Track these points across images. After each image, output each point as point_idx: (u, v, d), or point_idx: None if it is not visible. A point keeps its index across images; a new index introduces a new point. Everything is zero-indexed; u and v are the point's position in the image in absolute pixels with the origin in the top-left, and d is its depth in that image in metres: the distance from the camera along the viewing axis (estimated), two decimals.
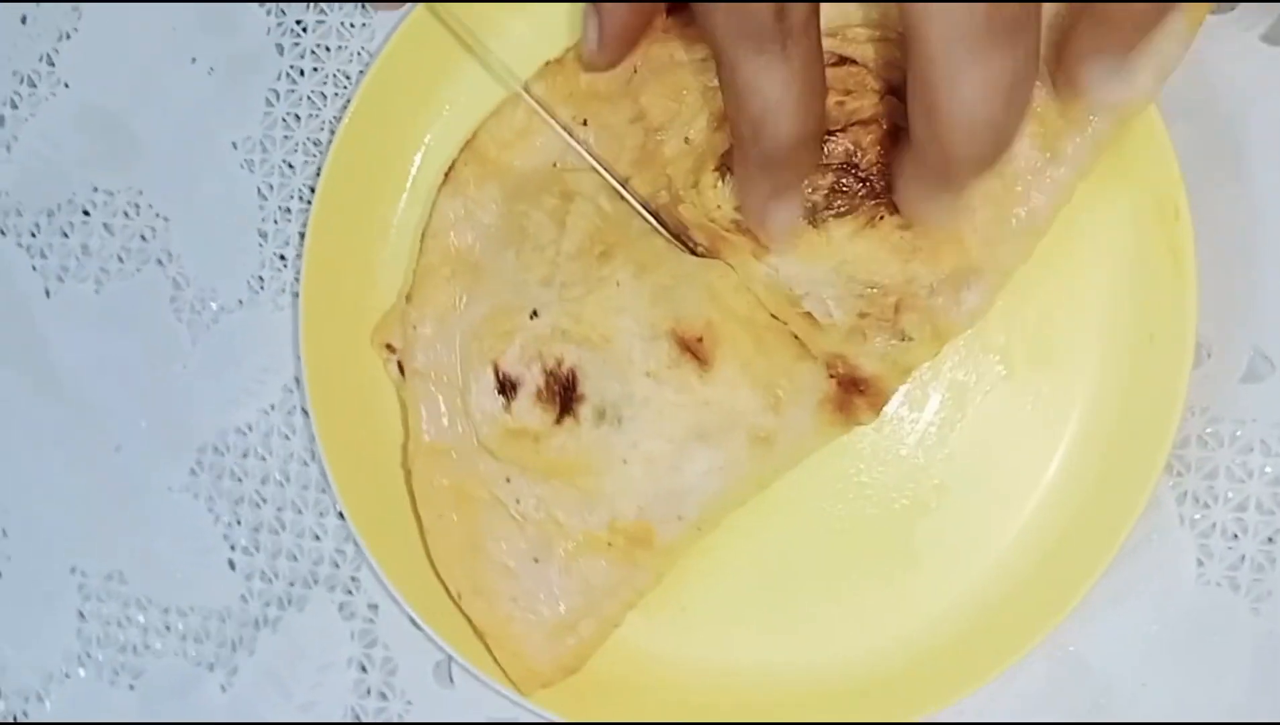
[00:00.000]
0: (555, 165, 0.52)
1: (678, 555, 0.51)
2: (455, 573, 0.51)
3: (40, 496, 0.65)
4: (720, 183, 0.46)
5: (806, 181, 0.45)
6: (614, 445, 0.48)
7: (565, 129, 0.51)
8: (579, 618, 0.50)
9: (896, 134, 0.45)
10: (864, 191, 0.45)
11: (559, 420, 0.49)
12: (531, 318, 0.49)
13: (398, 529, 0.54)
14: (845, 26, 0.47)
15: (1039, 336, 0.50)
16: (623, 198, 0.50)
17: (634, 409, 0.48)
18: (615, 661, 0.52)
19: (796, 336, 0.48)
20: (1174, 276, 0.47)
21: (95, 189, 0.65)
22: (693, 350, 0.47)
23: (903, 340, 0.47)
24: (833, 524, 0.52)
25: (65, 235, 0.65)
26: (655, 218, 0.50)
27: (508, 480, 0.51)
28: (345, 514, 0.54)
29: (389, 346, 0.54)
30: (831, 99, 0.45)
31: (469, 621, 0.51)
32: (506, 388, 0.49)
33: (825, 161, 0.45)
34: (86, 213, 0.65)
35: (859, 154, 0.45)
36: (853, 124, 0.45)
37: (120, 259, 0.64)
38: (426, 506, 0.52)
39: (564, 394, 0.49)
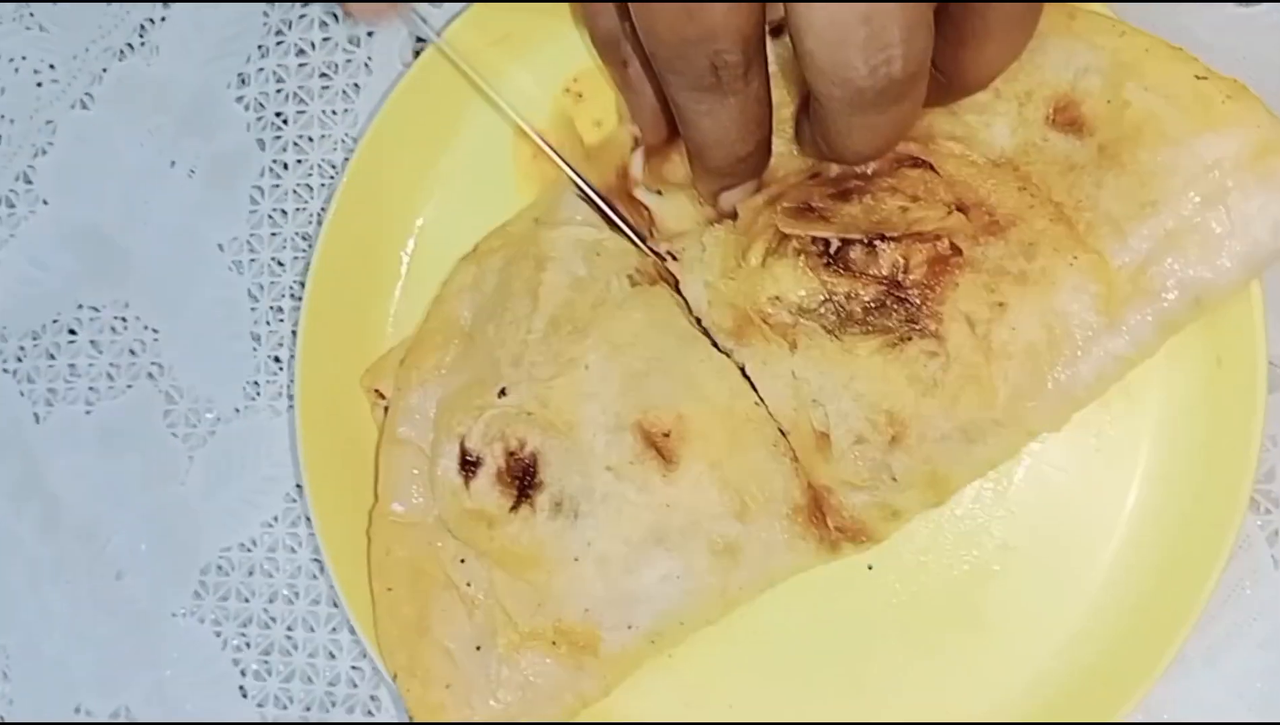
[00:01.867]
0: (536, 221, 0.50)
1: (629, 667, 0.47)
2: (396, 650, 0.48)
3: (41, 633, 0.61)
4: (771, 260, 0.43)
5: (848, 290, 0.42)
6: (568, 541, 0.46)
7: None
8: (514, 717, 0.46)
9: (949, 261, 0.41)
10: (902, 313, 0.42)
11: (515, 507, 0.46)
12: (500, 396, 0.47)
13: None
14: (935, 136, 0.43)
15: None
16: (631, 241, 0.48)
17: (592, 504, 0.45)
18: None
19: (782, 432, 0.44)
20: (1237, 292, 0.42)
21: (80, 306, 0.62)
22: (659, 446, 0.45)
23: (894, 480, 0.43)
24: (889, 600, 0.47)
25: (52, 357, 0.62)
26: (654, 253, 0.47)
27: (462, 561, 0.48)
28: (358, 632, 0.50)
29: (378, 392, 0.51)
30: (896, 201, 0.42)
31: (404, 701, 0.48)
32: (468, 465, 0.47)
33: (870, 271, 0.42)
34: (73, 332, 0.62)
35: (905, 272, 0.41)
36: (910, 235, 0.41)
37: (110, 377, 0.61)
38: (378, 578, 0.49)
39: (523, 479, 0.46)
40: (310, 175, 0.58)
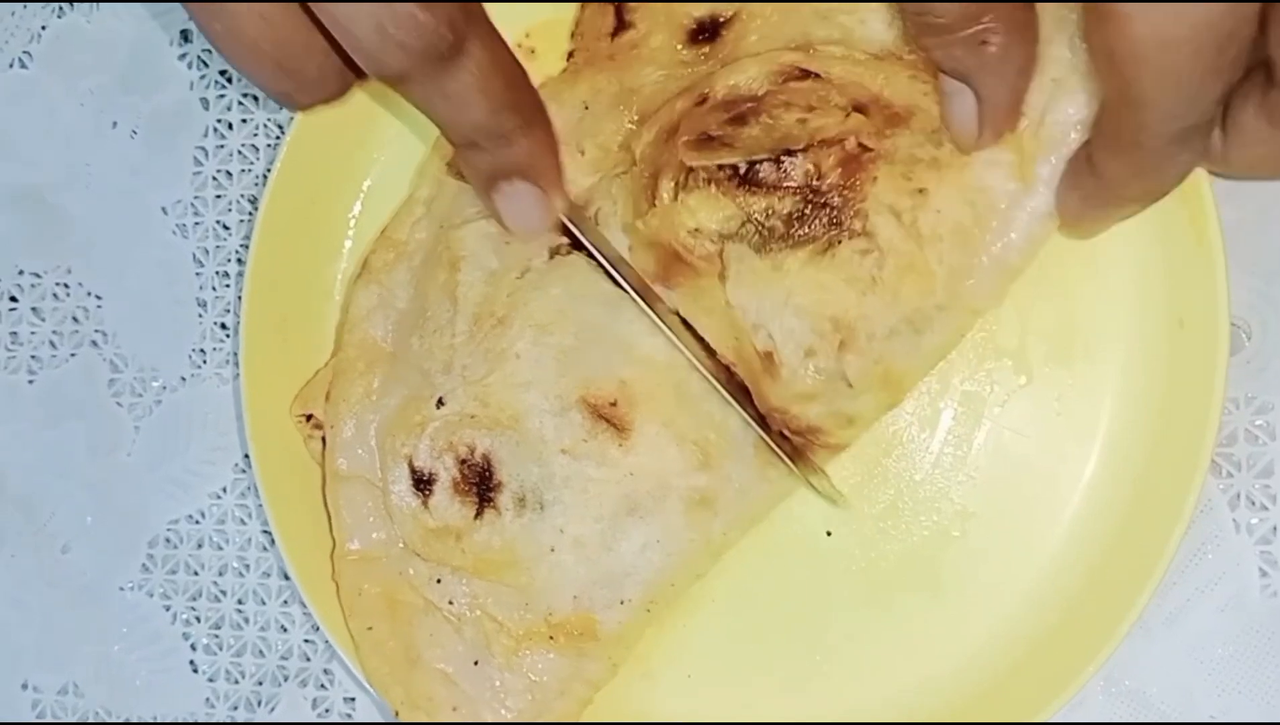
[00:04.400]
0: (441, 226, 0.48)
1: (632, 641, 0.46)
2: (392, 687, 0.47)
3: None
4: (682, 194, 0.42)
5: (765, 206, 0.41)
6: (539, 534, 0.45)
7: None
8: (530, 719, 0.46)
9: (860, 158, 0.40)
10: (825, 218, 0.41)
11: (479, 514, 0.45)
12: (438, 406, 0.46)
13: None
14: (812, 43, 0.43)
15: (1057, 333, 0.45)
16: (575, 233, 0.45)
17: (555, 491, 0.44)
18: None
19: (721, 389, 0.43)
20: (1199, 251, 0.42)
21: (21, 271, 0.60)
22: (607, 417, 0.44)
23: (849, 386, 0.42)
24: (848, 566, 0.46)
25: None
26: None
27: (438, 581, 0.46)
28: (309, 606, 0.48)
29: (309, 418, 0.49)
30: (793, 115, 0.41)
31: None
32: (421, 484, 0.45)
33: (784, 184, 0.41)
34: (14, 298, 0.60)
35: (819, 177, 0.41)
36: (816, 143, 0.41)
37: (53, 344, 0.59)
38: (355, 619, 0.47)
39: (481, 484, 0.45)
40: (255, 135, 0.57)
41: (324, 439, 0.49)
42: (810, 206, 0.41)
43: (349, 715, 0.53)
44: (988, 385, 0.45)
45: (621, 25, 0.47)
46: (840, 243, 0.41)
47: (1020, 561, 0.45)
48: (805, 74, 0.42)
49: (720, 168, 0.41)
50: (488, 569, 0.45)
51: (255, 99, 0.57)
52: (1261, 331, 0.44)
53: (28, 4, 0.61)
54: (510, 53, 0.37)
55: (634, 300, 0.44)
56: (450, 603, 0.46)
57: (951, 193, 0.40)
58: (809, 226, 0.41)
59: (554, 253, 0.46)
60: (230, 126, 0.57)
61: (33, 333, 0.60)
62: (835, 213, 0.41)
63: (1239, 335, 0.44)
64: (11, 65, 0.61)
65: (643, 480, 0.44)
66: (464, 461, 0.45)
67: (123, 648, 0.57)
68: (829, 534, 0.46)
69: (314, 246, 0.52)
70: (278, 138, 0.56)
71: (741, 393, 0.44)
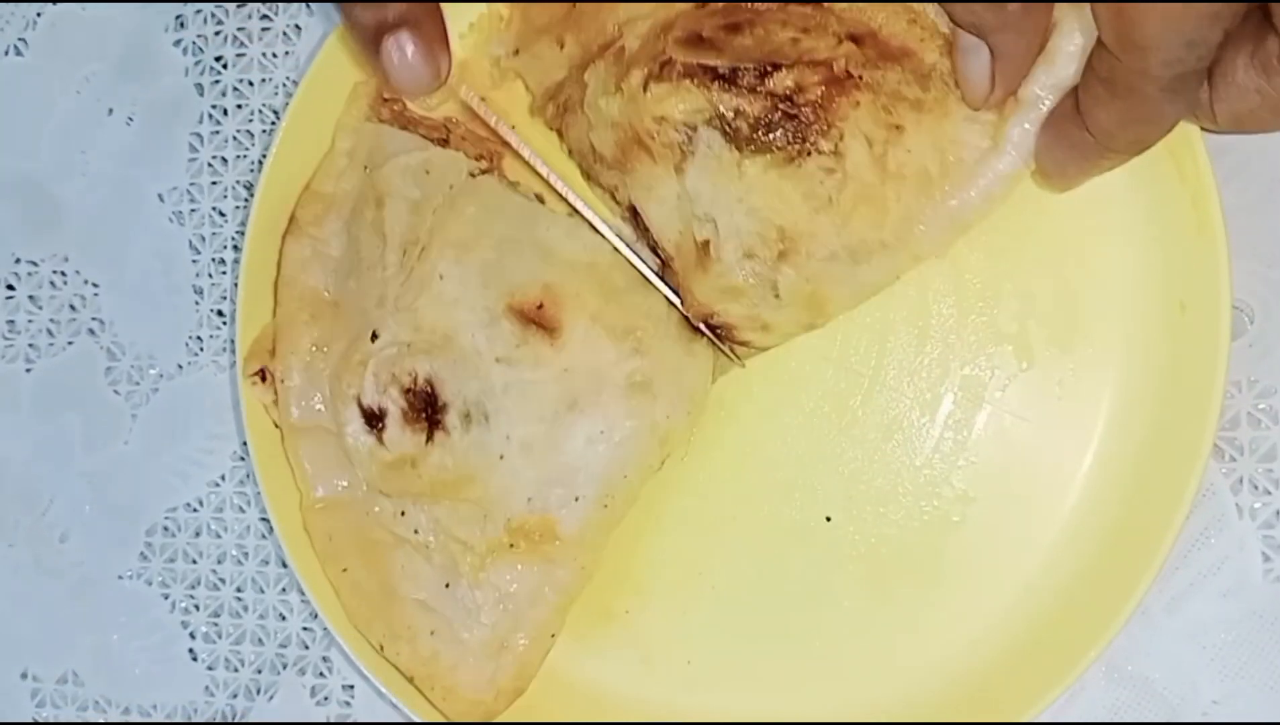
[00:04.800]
0: (366, 169, 0.49)
1: (597, 542, 0.46)
2: (373, 624, 0.48)
3: None
4: (651, 84, 0.42)
5: (736, 106, 0.41)
6: (488, 444, 0.45)
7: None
8: (507, 632, 0.46)
9: (845, 82, 0.41)
10: (794, 130, 0.41)
11: (430, 438, 0.46)
12: (373, 340, 0.46)
13: None
14: None
15: (1057, 317, 0.44)
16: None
17: (497, 401, 0.45)
18: (621, 716, 0.47)
19: (647, 272, 0.45)
20: (1199, 234, 0.41)
21: (18, 260, 0.60)
22: (536, 320, 0.45)
23: (776, 296, 0.43)
24: (848, 551, 0.46)
25: None
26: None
27: (402, 514, 0.47)
28: (307, 593, 0.48)
29: (262, 376, 0.49)
30: (788, 33, 0.41)
31: (398, 670, 0.47)
32: (373, 420, 0.46)
33: (759, 90, 0.41)
34: (11, 287, 0.60)
35: (800, 93, 0.41)
36: (802, 62, 0.41)
37: (50, 333, 0.59)
38: (330, 563, 0.48)
39: (427, 409, 0.46)
40: (250, 121, 0.56)
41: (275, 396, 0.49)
42: (780, 115, 0.41)
43: (347, 703, 0.53)
44: (988, 370, 0.45)
45: None
46: (809, 156, 0.41)
47: (1021, 547, 0.44)
48: (808, 0, 0.42)
49: (701, 67, 0.41)
50: (445, 489, 0.46)
51: (250, 84, 0.56)
52: (1264, 315, 0.44)
53: None
54: None
55: (529, 162, 0.46)
56: (415, 532, 0.47)
57: (926, 137, 0.41)
58: (773, 134, 0.41)
59: (472, 176, 0.47)
60: (225, 112, 0.57)
61: (30, 321, 0.60)
62: (804, 128, 0.41)
63: (1241, 319, 0.44)
64: (7, 52, 0.61)
65: (579, 376, 0.45)
66: (408, 391, 0.46)
67: (122, 636, 0.57)
68: (828, 519, 0.46)
69: None
70: (273, 123, 0.56)
71: (665, 277, 0.45)
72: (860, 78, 0.40)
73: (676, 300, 0.45)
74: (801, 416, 0.47)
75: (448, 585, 0.47)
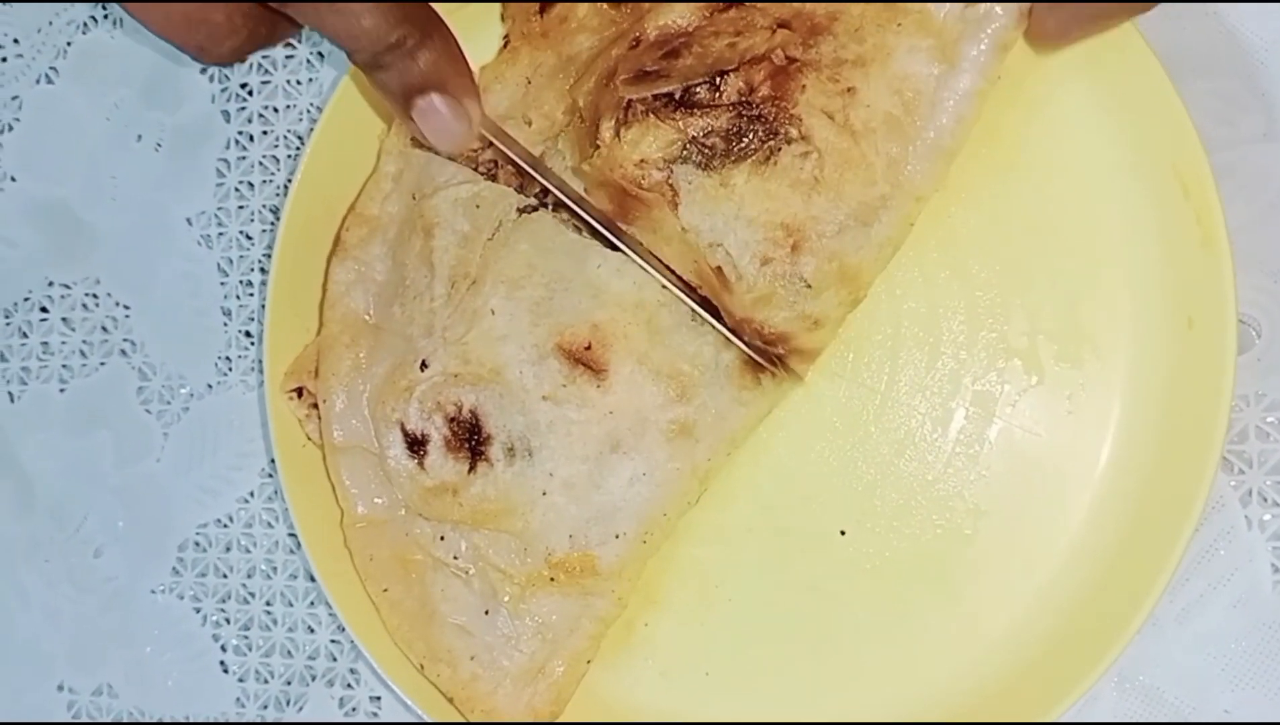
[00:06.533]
0: (414, 197, 0.49)
1: (634, 574, 0.47)
2: (413, 643, 0.48)
3: (21, 613, 0.61)
4: (623, 130, 0.43)
5: (704, 127, 0.42)
6: (530, 479, 0.46)
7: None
8: (544, 659, 0.47)
9: (788, 69, 0.42)
10: (761, 130, 0.43)
11: (472, 468, 0.46)
12: (422, 369, 0.47)
13: None
14: None
15: (1066, 334, 0.45)
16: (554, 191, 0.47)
17: (541, 437, 0.46)
18: None
19: (695, 306, 0.45)
20: (1205, 250, 0.42)
21: (51, 283, 0.62)
22: (583, 361, 0.45)
23: (808, 287, 0.44)
24: (862, 565, 0.47)
25: (25, 335, 0.62)
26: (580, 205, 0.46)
27: (441, 538, 0.48)
28: (334, 607, 0.49)
29: (299, 393, 0.50)
30: (722, 41, 0.43)
31: (437, 689, 0.48)
32: (415, 445, 0.47)
33: (718, 103, 0.43)
34: (44, 309, 0.62)
35: (751, 92, 0.43)
36: (745, 62, 0.42)
37: (83, 354, 0.61)
38: (371, 582, 0.49)
39: (471, 439, 0.46)
40: (276, 146, 0.58)
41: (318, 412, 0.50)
42: (746, 120, 0.43)
43: (375, 714, 0.54)
44: (999, 385, 0.46)
45: (548, 1, 0.48)
46: (780, 150, 0.43)
47: (1032, 559, 0.45)
48: (729, 5, 0.44)
49: (656, 97, 0.43)
50: (485, 519, 0.47)
51: (275, 110, 0.58)
52: (1272, 329, 0.44)
53: (52, 22, 0.62)
54: None
55: (585, 220, 0.46)
56: (455, 557, 0.48)
57: (879, 86, 0.42)
58: (747, 139, 0.43)
59: (521, 212, 0.48)
60: (251, 139, 0.58)
61: (63, 343, 0.61)
62: (770, 124, 0.43)
63: (1249, 333, 0.44)
64: (39, 81, 0.62)
65: (623, 417, 0.45)
66: (453, 419, 0.46)
67: (155, 649, 0.58)
68: (843, 533, 0.47)
69: None
70: (298, 149, 0.57)
71: (711, 311, 0.45)
72: (798, 61, 0.42)
73: (723, 328, 0.45)
74: (815, 432, 0.48)
75: (487, 612, 0.47)
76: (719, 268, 0.44)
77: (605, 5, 0.47)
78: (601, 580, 0.46)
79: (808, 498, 0.47)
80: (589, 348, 0.45)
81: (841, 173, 0.43)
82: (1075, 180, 0.45)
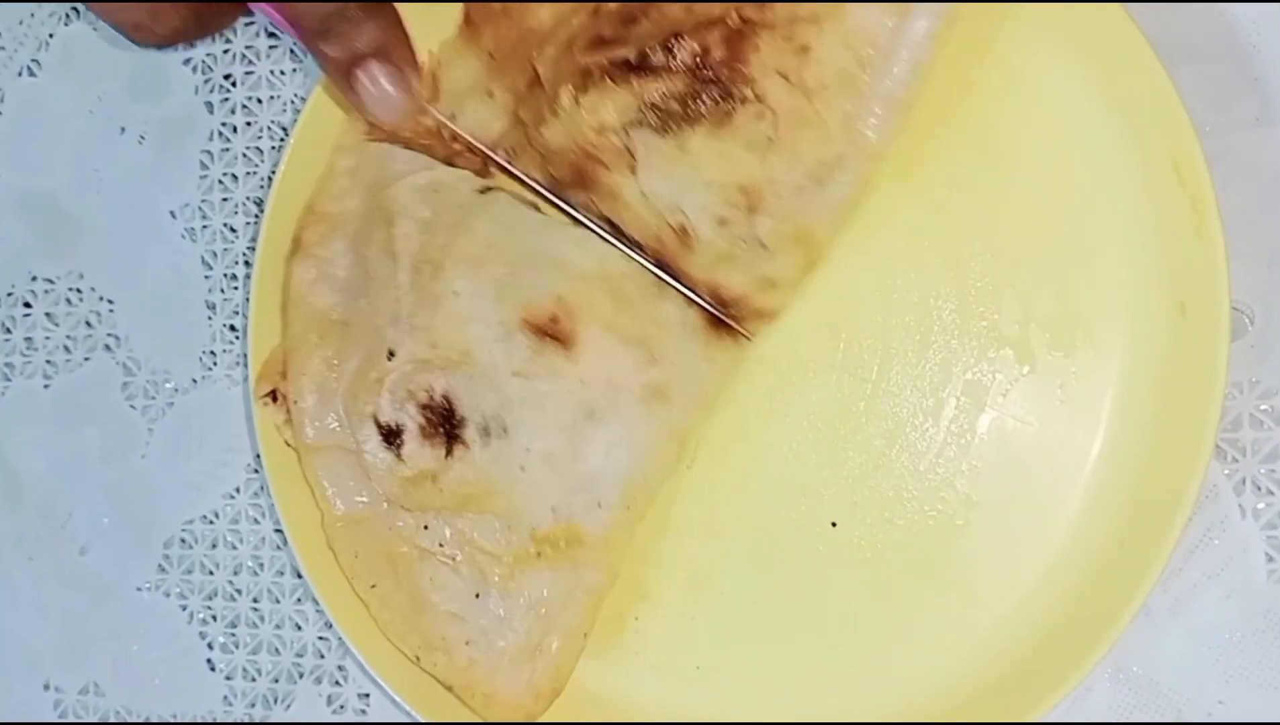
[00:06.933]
0: (370, 190, 0.49)
1: (623, 542, 0.47)
2: (407, 635, 0.48)
3: (7, 611, 0.60)
4: (580, 96, 0.43)
5: (661, 90, 0.42)
6: (508, 457, 0.46)
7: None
8: (540, 636, 0.47)
9: (743, 31, 0.42)
10: (716, 92, 0.42)
11: (449, 452, 0.46)
12: (390, 358, 0.47)
13: None
14: None
15: (1058, 321, 0.45)
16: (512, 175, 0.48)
17: (515, 413, 0.46)
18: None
19: (653, 268, 0.45)
20: (1199, 237, 0.41)
21: (34, 277, 0.61)
22: (551, 333, 0.45)
23: (764, 247, 0.44)
24: (853, 556, 0.46)
25: (8, 330, 0.61)
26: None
27: (425, 528, 0.48)
28: (322, 604, 0.49)
29: (274, 397, 0.50)
30: (679, 7, 0.43)
31: (436, 680, 0.47)
32: (391, 437, 0.46)
33: (673, 66, 0.42)
34: (28, 305, 0.61)
35: (706, 54, 0.42)
36: (700, 25, 0.42)
37: (67, 349, 0.60)
38: (358, 580, 0.49)
39: (445, 423, 0.46)
40: (260, 138, 0.57)
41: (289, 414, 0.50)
42: (701, 83, 0.42)
43: (363, 712, 0.54)
44: (990, 374, 0.45)
45: None
46: (735, 112, 0.42)
47: (1025, 550, 0.45)
48: None
49: (613, 62, 0.43)
50: (468, 502, 0.46)
51: (259, 101, 0.57)
52: (1265, 316, 0.44)
53: (34, 14, 0.61)
54: None
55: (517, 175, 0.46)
56: (440, 545, 0.47)
57: (832, 42, 0.42)
58: (702, 101, 0.43)
59: (481, 192, 0.48)
60: (235, 130, 0.58)
61: (47, 338, 0.61)
62: (724, 86, 0.42)
63: (1242, 320, 0.44)
64: (21, 74, 0.62)
65: (595, 386, 0.45)
66: (426, 406, 0.46)
67: (141, 647, 0.58)
68: (834, 524, 0.47)
69: None
70: (282, 140, 0.56)
71: (671, 274, 0.46)
72: (753, 21, 0.42)
73: (683, 288, 0.46)
74: (805, 422, 0.47)
75: (478, 595, 0.47)
76: (681, 226, 0.44)
77: None
78: (589, 551, 0.46)
79: (798, 489, 0.47)
80: (555, 320, 0.45)
81: (796, 132, 0.43)
82: (1067, 167, 0.44)
